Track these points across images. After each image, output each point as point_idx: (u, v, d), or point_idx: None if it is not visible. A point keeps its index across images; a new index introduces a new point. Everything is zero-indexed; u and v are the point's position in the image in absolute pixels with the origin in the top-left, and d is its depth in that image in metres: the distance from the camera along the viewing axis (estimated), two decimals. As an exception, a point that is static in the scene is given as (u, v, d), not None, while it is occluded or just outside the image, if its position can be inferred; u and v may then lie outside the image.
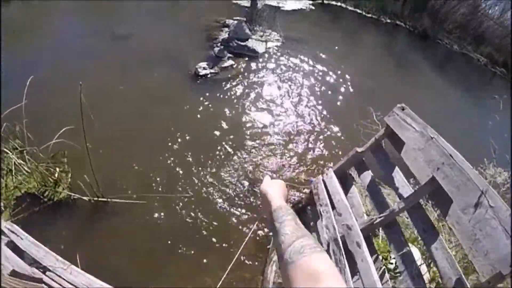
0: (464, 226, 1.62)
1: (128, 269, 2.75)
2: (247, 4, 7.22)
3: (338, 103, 5.36)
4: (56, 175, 3.17)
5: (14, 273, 1.58)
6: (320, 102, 5.29)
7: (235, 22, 6.65)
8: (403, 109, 2.35)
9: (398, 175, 2.31)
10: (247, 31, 6.37)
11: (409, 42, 8.34)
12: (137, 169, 3.66)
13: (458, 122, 5.53)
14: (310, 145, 4.49)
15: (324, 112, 5.12)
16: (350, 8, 9.57)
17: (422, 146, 2.02)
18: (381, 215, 2.16)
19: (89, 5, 7.91)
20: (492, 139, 2.98)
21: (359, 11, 9.45)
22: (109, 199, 3.17)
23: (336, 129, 4.85)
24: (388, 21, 9.12)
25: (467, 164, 1.72)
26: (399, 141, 2.28)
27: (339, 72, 6.19)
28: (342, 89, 5.79)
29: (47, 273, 2.06)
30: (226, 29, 6.81)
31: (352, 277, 2.12)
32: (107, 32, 6.26)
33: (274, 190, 0.78)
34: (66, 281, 2.09)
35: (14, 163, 3.23)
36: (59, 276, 2.12)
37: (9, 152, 3.25)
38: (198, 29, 6.84)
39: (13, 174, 3.24)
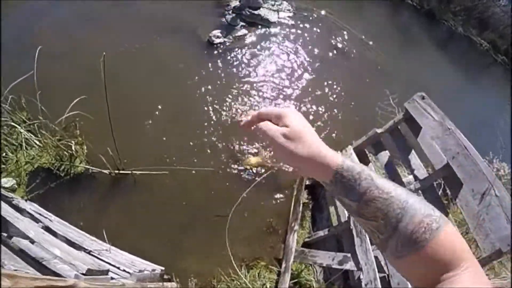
0: (472, 208, 2.04)
1: (151, 243, 3.05)
2: None
3: (347, 78, 5.61)
4: (73, 147, 3.27)
5: (89, 272, 1.78)
6: (330, 75, 5.52)
7: None
8: (423, 98, 2.68)
9: (414, 158, 2.69)
10: (259, -1, 6.37)
11: (414, 19, 8.59)
12: (155, 140, 3.84)
13: (457, 102, 6.04)
14: (324, 123, 4.79)
15: (336, 88, 5.38)
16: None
17: (440, 135, 2.39)
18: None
19: None
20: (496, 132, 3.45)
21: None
22: (130, 172, 3.36)
23: (348, 106, 5.16)
24: (396, -4, 9.28)
25: (479, 157, 2.12)
26: (417, 126, 2.63)
27: (348, 43, 6.40)
28: (351, 63, 6.04)
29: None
30: None
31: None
32: None
33: (316, 137, 0.57)
34: (112, 264, 2.33)
35: (24, 136, 3.29)
36: (103, 260, 2.35)
37: (17, 126, 3.28)
38: None
39: (24, 148, 3.31)
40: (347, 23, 6.82)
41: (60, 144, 3.28)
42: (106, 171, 3.33)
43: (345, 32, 6.67)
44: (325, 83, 5.41)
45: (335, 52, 6.20)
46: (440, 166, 2.37)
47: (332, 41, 6.45)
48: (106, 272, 1.96)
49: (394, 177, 2.81)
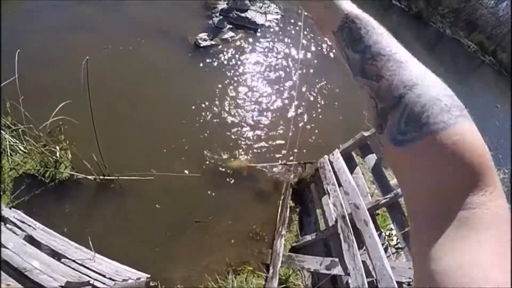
0: None
1: (138, 250, 3.01)
2: None
3: (335, 80, 5.62)
4: (57, 154, 3.22)
5: (68, 284, 1.75)
6: (318, 78, 5.56)
7: None
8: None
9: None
10: (246, 1, 6.43)
11: (402, 22, 8.71)
12: (140, 145, 3.82)
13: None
14: (312, 126, 4.80)
15: (324, 90, 5.42)
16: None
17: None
18: (386, 197, 2.57)
19: None
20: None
21: (354, -13, 9.55)
22: (115, 177, 3.32)
23: (334, 110, 5.17)
24: (385, -1, 9.41)
25: None
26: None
27: (331, 48, 6.43)
28: (339, 65, 6.04)
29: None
30: None
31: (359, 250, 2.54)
32: (95, 1, 5.85)
33: None
34: (96, 272, 2.28)
35: (9, 142, 3.22)
36: (88, 268, 2.30)
37: (2, 131, 3.22)
38: None
39: (8, 154, 3.24)
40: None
41: (44, 150, 3.23)
42: (91, 177, 3.28)
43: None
44: (312, 86, 5.43)
45: (322, 54, 6.23)
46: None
47: (320, 43, 6.48)
48: (86, 283, 1.92)
49: (381, 179, 2.82)
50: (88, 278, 2.07)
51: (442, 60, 7.48)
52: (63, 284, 1.75)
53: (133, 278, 2.49)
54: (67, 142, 3.49)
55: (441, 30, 8.90)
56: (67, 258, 2.36)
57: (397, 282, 2.19)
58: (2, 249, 1.95)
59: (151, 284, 2.72)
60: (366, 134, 3.04)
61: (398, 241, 2.71)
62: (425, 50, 7.80)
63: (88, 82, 2.71)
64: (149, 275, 2.66)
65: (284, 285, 2.87)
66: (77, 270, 2.20)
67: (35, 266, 1.85)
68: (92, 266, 2.41)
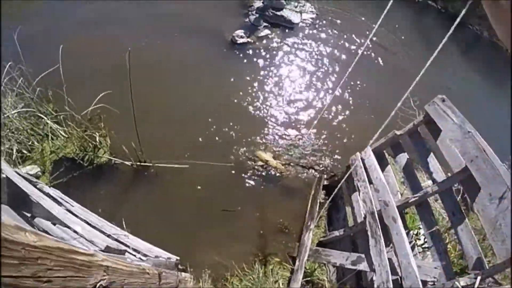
0: (488, 213, 2.01)
1: (169, 234, 3.15)
2: None
3: (369, 80, 5.58)
4: (97, 139, 3.44)
5: (107, 249, 1.90)
6: (352, 78, 5.50)
7: None
8: (443, 100, 2.67)
9: (432, 160, 2.68)
10: (282, 0, 6.46)
11: (439, 23, 8.39)
12: (176, 135, 4.00)
13: (480, 106, 5.85)
14: (346, 125, 4.83)
15: (358, 90, 5.40)
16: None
17: (459, 138, 2.37)
18: (416, 195, 2.57)
19: None
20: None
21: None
22: (152, 164, 3.51)
23: (367, 111, 5.15)
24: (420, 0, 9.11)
25: (498, 160, 2.09)
26: (436, 129, 2.62)
27: (370, 47, 6.37)
28: (372, 66, 6.01)
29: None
30: None
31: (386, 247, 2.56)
32: None
33: None
34: (131, 247, 2.45)
35: (50, 127, 3.48)
36: (122, 243, 2.47)
37: (44, 117, 3.48)
38: None
39: (50, 138, 3.51)
40: (370, 27, 6.79)
41: (85, 135, 3.46)
42: (128, 163, 3.48)
43: (368, 35, 6.64)
44: (347, 86, 5.42)
45: (357, 54, 6.16)
46: (458, 169, 2.35)
47: (355, 43, 6.44)
48: (123, 252, 2.07)
49: (412, 179, 2.81)
50: (125, 248, 2.23)
51: (478, 62, 7.16)
52: (103, 248, 1.90)
53: (164, 257, 2.63)
54: (107, 129, 3.72)
55: (478, 33, 8.50)
56: (104, 232, 2.55)
57: (422, 281, 2.20)
58: (43, 220, 2.14)
59: (180, 266, 2.86)
60: (398, 133, 3.03)
61: (425, 240, 2.69)
62: (461, 51, 7.52)
63: (130, 75, 2.89)
64: (178, 257, 2.80)
65: (308, 278, 2.92)
66: (115, 241, 2.37)
67: (78, 230, 2.02)
68: (127, 242, 2.58)
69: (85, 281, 1.03)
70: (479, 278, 1.95)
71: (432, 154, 2.73)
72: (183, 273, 2.58)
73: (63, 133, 3.55)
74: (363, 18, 7.07)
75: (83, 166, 3.44)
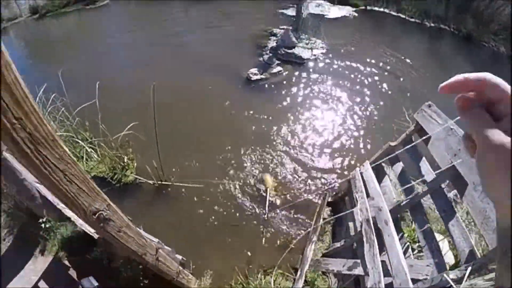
0: (476, 203, 2.02)
1: (180, 243, 3.35)
2: (293, 13, 7.96)
3: (380, 110, 5.76)
4: (125, 159, 4.02)
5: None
6: (361, 108, 5.74)
7: (282, 31, 7.49)
8: (430, 106, 2.80)
9: (424, 164, 2.74)
10: (293, 39, 7.15)
11: (453, 45, 8.39)
12: (194, 159, 4.46)
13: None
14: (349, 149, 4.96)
15: (367, 115, 5.59)
16: (393, 13, 9.87)
17: (443, 136, 2.46)
18: (408, 197, 2.61)
19: (142, 17, 9.28)
20: None
21: (402, 16, 9.69)
22: (171, 183, 3.98)
23: (377, 135, 5.25)
24: (432, 24, 9.19)
25: None
26: (426, 135, 2.72)
27: (382, 77, 6.60)
28: (385, 96, 6.17)
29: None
30: (274, 37, 7.73)
31: (380, 253, 2.57)
32: (162, 42, 7.48)
33: None
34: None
35: (86, 150, 4.16)
36: None
37: (81, 141, 4.18)
38: (247, 38, 7.83)
39: (85, 160, 4.16)
40: (379, 57, 7.11)
41: (115, 157, 4.04)
42: (150, 182, 3.95)
43: (377, 64, 6.95)
44: (358, 112, 5.63)
45: (367, 83, 6.44)
46: (446, 167, 2.40)
47: (363, 73, 6.73)
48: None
49: (406, 184, 2.86)
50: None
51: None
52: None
53: (172, 252, 2.86)
54: (134, 153, 4.30)
55: (494, 49, 8.24)
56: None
57: (413, 279, 2.17)
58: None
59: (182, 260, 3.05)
60: (393, 144, 3.16)
61: (419, 239, 2.63)
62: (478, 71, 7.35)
63: (154, 104, 3.49)
64: (184, 258, 3.02)
65: (309, 287, 2.95)
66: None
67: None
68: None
69: (92, 202, 1.40)
70: (469, 269, 1.92)
71: (424, 158, 2.80)
72: (186, 271, 2.79)
73: (96, 156, 4.18)
74: (372, 49, 7.42)
75: (111, 184, 3.94)
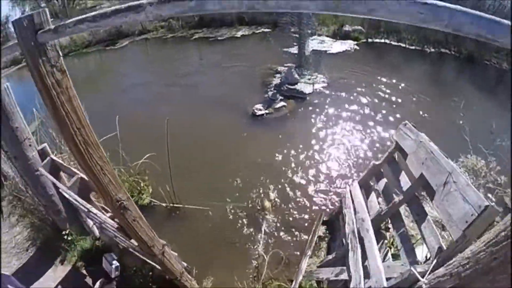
0: (439, 203, 2.26)
1: (186, 257, 3.73)
2: (296, 51, 8.65)
3: (378, 137, 6.04)
4: (142, 184, 4.57)
5: None
6: (361, 139, 6.07)
7: (286, 68, 8.21)
8: (405, 125, 3.14)
9: (403, 178, 3.02)
10: (296, 76, 7.81)
11: (455, 68, 8.60)
12: (204, 183, 4.93)
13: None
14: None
15: (364, 150, 5.85)
16: (393, 43, 10.38)
17: (415, 149, 2.77)
18: (386, 207, 2.88)
19: (157, 59, 10.49)
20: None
21: (402, 45, 10.12)
22: (182, 205, 4.46)
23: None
24: (433, 50, 9.54)
25: (442, 156, 2.40)
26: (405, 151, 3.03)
27: (379, 105, 6.95)
28: (383, 123, 6.44)
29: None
30: (278, 75, 8.42)
31: (363, 262, 2.79)
32: (175, 82, 8.36)
33: None
34: None
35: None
36: None
37: None
38: (254, 77, 8.56)
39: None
40: (379, 85, 7.52)
41: (133, 182, 4.60)
42: (164, 204, 4.43)
43: (376, 94, 7.37)
44: (355, 140, 5.99)
45: (365, 112, 6.81)
46: (417, 176, 2.68)
47: (361, 104, 7.14)
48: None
49: (388, 197, 3.12)
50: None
51: (502, 98, 6.87)
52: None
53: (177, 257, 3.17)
54: (149, 180, 4.86)
55: (497, 66, 8.31)
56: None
57: (388, 278, 2.37)
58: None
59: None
60: (377, 163, 3.48)
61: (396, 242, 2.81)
62: (486, 93, 7.41)
63: (168, 137, 4.04)
64: (189, 266, 3.32)
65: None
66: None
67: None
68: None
69: (117, 192, 1.88)
70: (434, 261, 2.10)
71: (403, 172, 3.08)
72: (189, 275, 3.10)
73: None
74: (371, 79, 7.87)
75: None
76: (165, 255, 2.58)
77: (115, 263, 2.33)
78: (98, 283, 1.45)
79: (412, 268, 2.15)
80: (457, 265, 1.48)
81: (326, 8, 0.87)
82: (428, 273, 1.96)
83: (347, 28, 11.13)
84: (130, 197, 2.18)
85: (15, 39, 1.39)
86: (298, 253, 3.86)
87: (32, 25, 1.24)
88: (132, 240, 2.54)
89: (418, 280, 1.98)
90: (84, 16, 1.13)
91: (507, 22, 0.74)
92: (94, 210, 2.72)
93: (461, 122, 5.32)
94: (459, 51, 9.02)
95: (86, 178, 1.81)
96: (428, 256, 2.81)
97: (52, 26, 1.26)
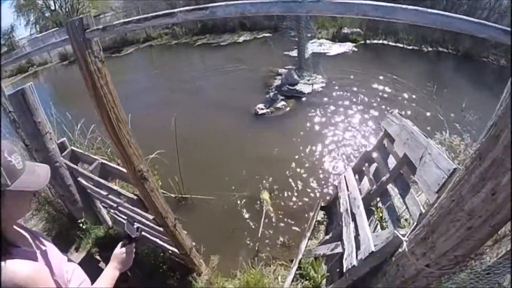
0: (419, 175, 2.58)
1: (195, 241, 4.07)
2: (296, 54, 9.18)
3: (377, 135, 6.31)
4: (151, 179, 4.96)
5: None
6: (357, 135, 6.40)
7: (286, 70, 8.77)
8: (391, 113, 3.50)
9: (391, 159, 3.36)
10: (296, 77, 8.29)
11: (453, 67, 8.90)
12: (209, 176, 5.38)
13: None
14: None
15: (361, 144, 6.15)
16: (391, 44, 10.79)
17: (399, 132, 3.12)
18: (375, 185, 3.22)
19: (161, 66, 11.02)
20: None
21: (400, 45, 10.50)
22: (189, 196, 4.85)
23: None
24: (430, 49, 9.89)
25: (420, 134, 2.73)
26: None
27: (376, 103, 7.32)
28: (380, 118, 6.77)
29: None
30: (279, 77, 8.96)
31: (356, 236, 3.10)
32: (180, 87, 8.87)
33: None
34: None
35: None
36: None
37: (116, 166, 5.19)
38: (256, 79, 9.09)
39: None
40: (376, 83, 7.89)
41: (143, 176, 5.01)
42: (172, 195, 4.81)
43: (373, 92, 7.75)
44: (357, 142, 6.30)
45: (360, 109, 7.18)
46: (401, 156, 3.02)
47: (358, 102, 7.50)
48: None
49: (379, 179, 3.46)
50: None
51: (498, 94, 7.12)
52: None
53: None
54: (159, 174, 5.25)
55: (494, 63, 8.56)
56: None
57: (376, 244, 2.69)
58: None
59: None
60: (368, 150, 3.85)
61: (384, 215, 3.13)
62: (485, 91, 7.69)
63: (176, 130, 4.48)
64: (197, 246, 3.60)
65: (303, 272, 3.48)
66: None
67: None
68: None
69: (139, 163, 2.27)
70: (415, 223, 2.39)
71: (391, 155, 3.42)
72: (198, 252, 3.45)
73: (126, 176, 5.19)
74: (368, 78, 8.26)
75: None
76: (176, 228, 2.94)
77: (137, 224, 2.66)
78: (120, 244, 1.66)
79: (395, 231, 2.47)
80: (428, 216, 1.82)
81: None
82: (409, 233, 2.28)
83: (345, 30, 11.59)
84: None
85: (20, 47, 1.77)
86: (298, 237, 4.17)
87: (81, 25, 1.61)
88: (147, 215, 2.91)
89: (402, 242, 2.29)
90: (129, 19, 1.51)
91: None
92: (115, 187, 3.10)
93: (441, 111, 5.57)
94: (457, 49, 9.34)
95: (114, 149, 2.19)
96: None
97: (101, 26, 1.64)
